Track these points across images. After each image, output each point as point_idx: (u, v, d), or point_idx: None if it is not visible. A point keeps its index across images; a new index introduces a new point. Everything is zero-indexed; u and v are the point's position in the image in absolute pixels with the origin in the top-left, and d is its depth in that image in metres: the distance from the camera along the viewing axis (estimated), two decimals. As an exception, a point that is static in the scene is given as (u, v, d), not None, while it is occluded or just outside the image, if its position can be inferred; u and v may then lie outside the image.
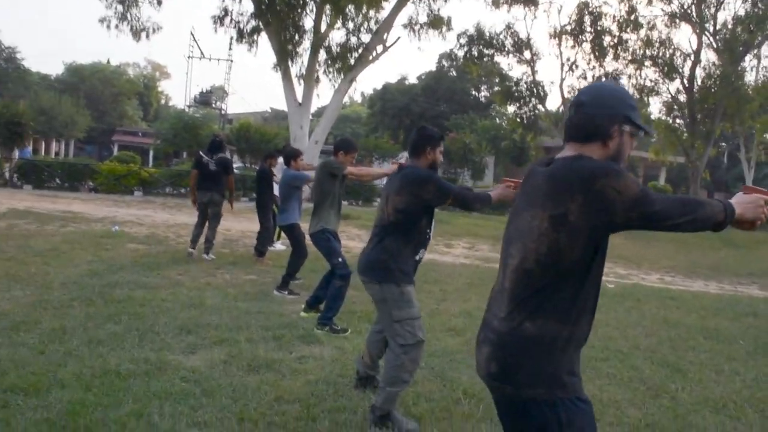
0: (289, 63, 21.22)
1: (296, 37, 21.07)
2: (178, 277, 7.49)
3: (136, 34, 20.54)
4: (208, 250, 8.95)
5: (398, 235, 3.59)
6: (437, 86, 45.40)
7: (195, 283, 7.16)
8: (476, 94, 47.21)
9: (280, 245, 10.37)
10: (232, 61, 39.52)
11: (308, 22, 21.17)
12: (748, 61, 24.91)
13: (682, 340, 6.49)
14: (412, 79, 51.43)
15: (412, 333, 3.60)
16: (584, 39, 23.52)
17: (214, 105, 40.36)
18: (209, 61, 39.66)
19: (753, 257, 16.98)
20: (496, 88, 44.81)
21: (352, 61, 21.33)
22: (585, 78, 24.35)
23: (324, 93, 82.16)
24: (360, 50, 21.33)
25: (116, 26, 20.33)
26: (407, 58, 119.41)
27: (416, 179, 3.56)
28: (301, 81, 21.49)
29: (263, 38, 21.46)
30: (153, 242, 10.20)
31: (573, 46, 23.93)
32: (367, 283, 3.70)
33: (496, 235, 16.51)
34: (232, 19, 21.25)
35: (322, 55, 21.42)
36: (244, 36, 21.22)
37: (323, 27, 21.24)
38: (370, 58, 21.53)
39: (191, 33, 46.79)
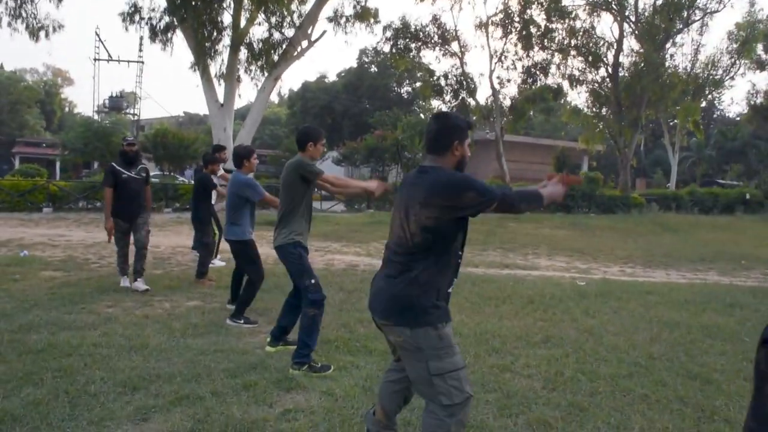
0: (208, 62, 19.79)
1: (214, 33, 19.68)
2: (109, 310, 6.26)
3: (33, 33, 18.58)
4: (138, 277, 7.46)
5: (430, 262, 2.72)
6: (359, 83, 44.51)
7: (130, 318, 5.96)
8: (399, 89, 46.62)
9: (219, 261, 9.21)
10: (143, 62, 37.04)
11: (227, 18, 19.84)
12: (668, 48, 25.32)
13: (691, 343, 5.96)
14: (332, 77, 50.38)
15: (458, 388, 2.70)
16: (512, 29, 23.23)
17: (125, 111, 37.85)
18: (118, 63, 37.20)
19: (694, 241, 17.05)
20: (419, 84, 44.67)
21: (276, 58, 20.13)
22: (515, 68, 24.13)
23: (247, 93, 79.77)
24: (284, 46, 20.16)
25: (9, 24, 18.29)
26: (326, 56, 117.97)
27: (450, 185, 2.68)
28: (222, 81, 20.09)
29: (178, 36, 19.97)
30: (72, 267, 8.77)
31: (501, 37, 23.62)
32: (390, 328, 2.78)
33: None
34: (142, 17, 19.65)
35: (244, 52, 20.11)
36: (157, 34, 19.65)
37: (243, 22, 19.94)
38: (295, 54, 20.39)
39: (96, 33, 43.72)
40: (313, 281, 4.73)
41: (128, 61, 38.13)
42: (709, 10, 24.82)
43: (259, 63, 20.07)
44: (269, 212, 19.84)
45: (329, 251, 11.98)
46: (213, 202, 8.50)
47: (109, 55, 37.41)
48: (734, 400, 4.38)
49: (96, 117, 35.31)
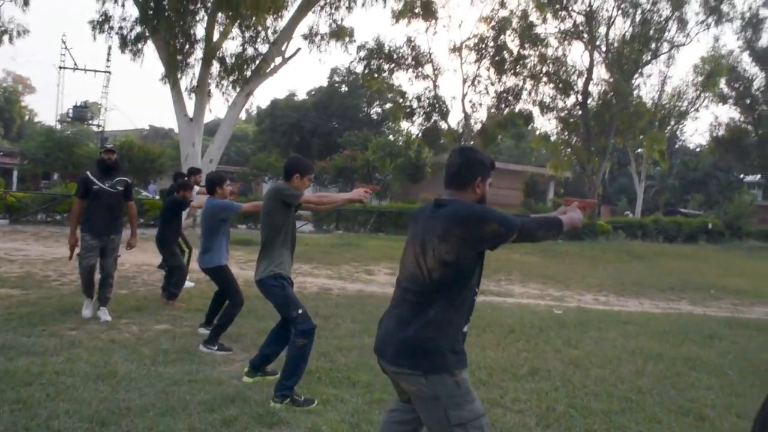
0: (179, 75, 19.38)
1: (186, 46, 19.29)
2: (72, 333, 5.87)
3: (-4, 37, 17.95)
4: (103, 305, 6.65)
5: (447, 301, 2.52)
6: (329, 102, 44.35)
7: (95, 342, 5.58)
8: (369, 110, 46.62)
9: (189, 282, 8.83)
10: (110, 72, 36.21)
11: (200, 31, 19.47)
12: (636, 78, 25.79)
13: (677, 376, 5.90)
14: (302, 95, 50.16)
15: None
16: (486, 54, 23.38)
17: (90, 121, 36.89)
18: (84, 72, 36.27)
19: (661, 269, 17.19)
20: (389, 105, 44.76)
21: (249, 74, 19.82)
22: (487, 93, 24.26)
23: (217, 108, 78.94)
24: (257, 62, 19.87)
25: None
26: (296, 74, 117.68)
27: (471, 217, 2.50)
28: (192, 94, 19.66)
29: (149, 47, 19.53)
30: (30, 285, 8.28)
31: (475, 61, 23.75)
32: (403, 376, 2.55)
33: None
34: (112, 26, 19.18)
35: (216, 66, 19.74)
36: (127, 44, 19.18)
37: (216, 36, 19.63)
38: (268, 70, 20.12)
39: (62, 41, 42.78)
40: (300, 311, 4.46)
41: (95, 71, 37.29)
42: (676, 43, 25.41)
43: (231, 78, 19.71)
44: (238, 231, 19.43)
45: (300, 273, 11.66)
46: (183, 220, 8.16)
47: (75, 64, 36.57)
48: (732, 440, 4.26)
49: (58, 126, 34.38)
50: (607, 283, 13.57)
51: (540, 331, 7.60)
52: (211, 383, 4.60)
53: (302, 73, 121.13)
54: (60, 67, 36.18)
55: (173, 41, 18.72)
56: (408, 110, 26.12)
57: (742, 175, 45.86)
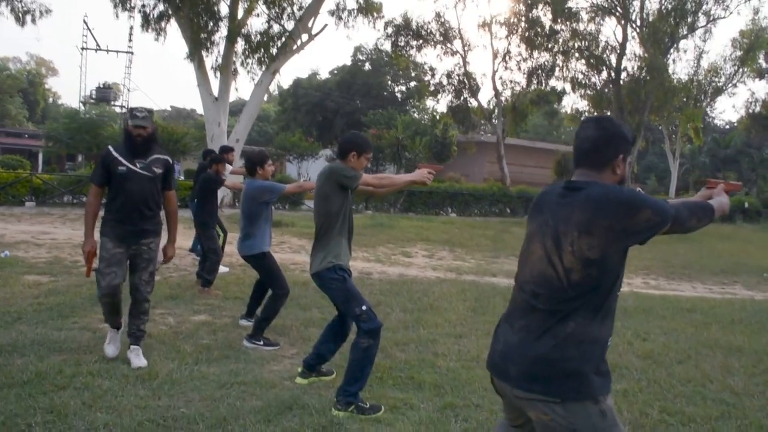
0: (204, 53, 18.92)
1: (210, 24, 18.80)
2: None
3: (19, 18, 17.59)
4: (135, 343, 4.64)
5: (590, 309, 2.01)
6: (352, 81, 43.61)
7: (131, 336, 5.14)
8: (393, 88, 45.84)
9: (223, 267, 8.38)
10: (132, 53, 35.82)
11: (224, 8, 18.94)
12: (671, 53, 24.78)
13: (766, 374, 5.27)
14: (324, 74, 49.45)
15: None
16: (518, 29, 22.54)
17: (113, 102, 36.65)
18: (106, 53, 35.92)
19: (707, 251, 16.49)
20: (413, 83, 43.91)
21: (275, 51, 19.26)
22: (519, 69, 23.45)
23: (243, 87, 78.27)
24: (283, 39, 19.30)
25: (-5, 8, 17.28)
26: (318, 53, 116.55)
27: (623, 203, 1.98)
28: (217, 73, 19.18)
29: (172, 26, 19.11)
30: (59, 271, 7.88)
31: (506, 36, 22.91)
32: (532, 403, 2.03)
33: (447, 239, 15.11)
34: (133, 5, 18.74)
35: (241, 44, 19.23)
36: (150, 22, 18.72)
37: (241, 13, 19.09)
38: (294, 47, 19.55)
39: (84, 21, 42.36)
40: (364, 308, 3.94)
41: (117, 51, 37.00)
42: (714, 17, 24.31)
43: (257, 56, 19.20)
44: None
45: (335, 256, 11.18)
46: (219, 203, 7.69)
47: (97, 45, 36.24)
48: None
49: (81, 108, 34.16)
50: (655, 265, 12.94)
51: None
52: (262, 386, 4.12)
53: (325, 51, 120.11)
54: (82, 49, 35.89)
55: (197, 19, 18.26)
56: (436, 87, 25.34)
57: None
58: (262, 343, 5.11)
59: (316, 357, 4.32)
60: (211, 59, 18.99)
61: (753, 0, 24.40)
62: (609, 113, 25.11)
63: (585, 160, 2.16)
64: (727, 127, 44.46)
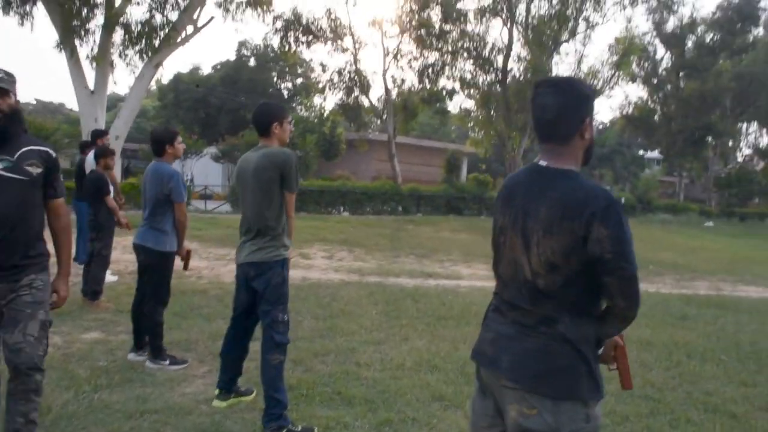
0: (77, 43, 17.45)
1: (85, 10, 17.36)
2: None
3: None
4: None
5: (576, 312, 1.89)
6: (237, 77, 42.15)
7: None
8: (279, 85, 44.88)
9: (110, 276, 7.61)
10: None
11: (100, -6, 17.56)
12: (555, 56, 25.91)
13: (678, 366, 5.63)
14: (207, 69, 47.62)
15: None
16: (409, 27, 22.65)
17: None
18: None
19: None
20: (300, 80, 43.21)
21: (157, 43, 18.11)
22: (410, 67, 23.59)
23: (121, 79, 73.52)
24: (166, 30, 18.19)
25: None
26: (200, 48, 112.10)
27: (588, 207, 1.85)
28: (93, 64, 17.76)
29: (40, 10, 17.44)
30: None
31: (398, 35, 22.98)
32: (517, 394, 1.90)
33: (344, 239, 14.85)
34: (-10, -16, 16.96)
35: (120, 34, 17.91)
36: (11, 5, 17.03)
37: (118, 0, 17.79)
38: (179, 39, 18.47)
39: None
40: (287, 317, 3.60)
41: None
42: (593, 23, 25.66)
43: (138, 47, 17.95)
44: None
45: (231, 260, 10.58)
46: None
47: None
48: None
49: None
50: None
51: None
52: (176, 413, 3.65)
53: (207, 45, 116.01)
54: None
55: (68, 4, 16.82)
56: (327, 85, 25.00)
57: (641, 152, 47.92)
58: (167, 362, 4.58)
59: (229, 379, 3.89)
60: (86, 49, 17.54)
61: (627, 10, 25.78)
62: (495, 114, 25.92)
63: (550, 132, 1.98)
64: (600, 127, 47.35)
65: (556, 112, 1.94)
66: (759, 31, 34.96)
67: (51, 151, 2.96)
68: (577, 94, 1.96)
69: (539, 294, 1.89)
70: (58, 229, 3.06)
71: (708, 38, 34.45)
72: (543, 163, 1.98)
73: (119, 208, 6.65)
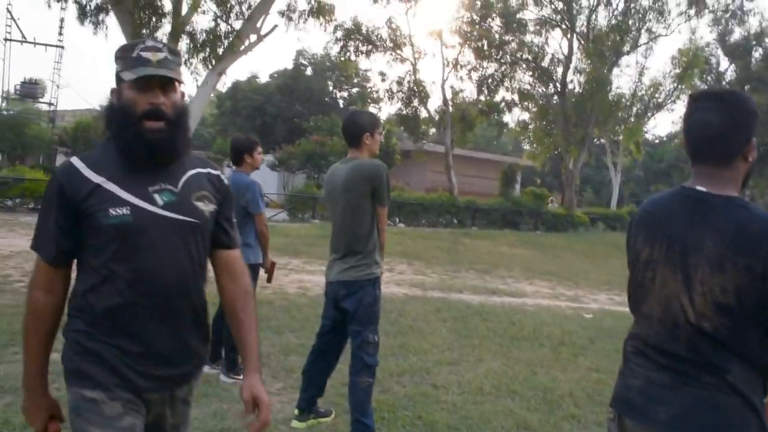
0: (145, 50, 17.86)
1: (153, 19, 17.78)
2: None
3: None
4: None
5: (755, 352, 1.64)
6: (294, 85, 42.68)
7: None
8: (336, 94, 45.23)
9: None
10: (63, 47, 33.82)
11: (168, 3, 17.96)
12: (615, 68, 25.31)
13: None
14: (264, 78, 48.38)
15: None
16: (469, 37, 22.44)
17: (39, 99, 34.47)
18: (33, 46, 33.75)
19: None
20: (356, 90, 43.41)
21: (221, 51, 18.40)
22: (469, 78, 23.37)
23: (186, 87, 75.28)
24: (230, 38, 18.46)
25: None
26: (258, 56, 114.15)
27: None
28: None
29: (112, 19, 17.93)
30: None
31: (459, 44, 22.78)
32: None
33: (402, 251, 14.67)
34: (68, -5, 17.51)
35: (185, 42, 18.26)
36: (87, 15, 17.54)
37: (185, 9, 18.14)
38: (242, 47, 18.69)
39: (8, 10, 39.81)
40: (377, 338, 3.44)
41: (46, 45, 34.81)
42: (656, 34, 24.98)
43: (202, 55, 18.28)
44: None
45: (293, 270, 10.55)
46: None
47: (23, 36, 34.08)
48: None
49: (3, 104, 32.03)
50: (614, 281, 12.82)
51: (590, 342, 6.76)
52: None
53: (264, 54, 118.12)
54: (5, 40, 33.66)
55: (138, 13, 17.24)
56: (387, 94, 24.95)
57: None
58: (242, 377, 4.46)
59: (309, 398, 3.75)
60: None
61: (692, 21, 25.00)
62: (553, 126, 25.41)
63: (709, 152, 1.74)
64: (657, 141, 46.13)
65: (721, 130, 1.71)
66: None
67: (222, 175, 1.92)
68: (745, 111, 1.73)
69: (704, 338, 1.65)
70: (237, 295, 1.89)
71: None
72: (701, 188, 1.75)
73: None
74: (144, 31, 17.47)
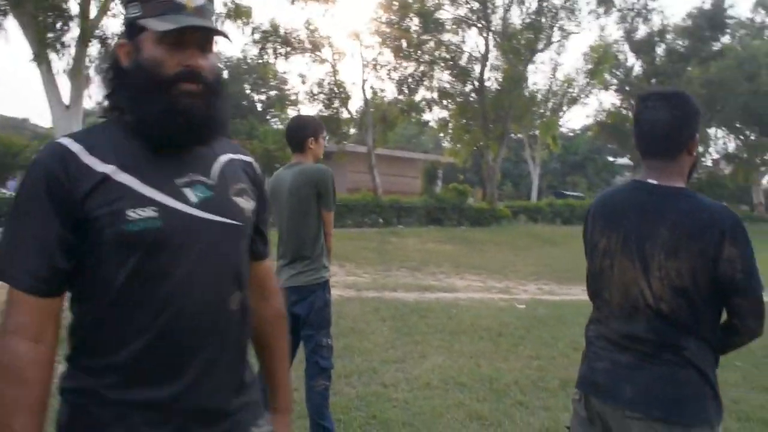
0: (51, 56, 17.04)
1: (60, 23, 17.00)
2: None
3: None
4: None
5: (701, 337, 1.82)
6: (210, 90, 41.90)
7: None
8: (253, 97, 44.54)
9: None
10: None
11: (75, 6, 17.22)
12: (530, 65, 26.13)
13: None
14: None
15: None
16: (388, 38, 22.62)
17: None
18: None
19: (578, 254, 17.27)
20: (274, 92, 42.86)
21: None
22: (390, 78, 23.55)
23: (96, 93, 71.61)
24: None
25: None
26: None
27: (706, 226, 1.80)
28: (69, 78, 17.37)
29: (12, 23, 17.02)
30: None
31: (378, 44, 22.92)
32: (647, 423, 1.79)
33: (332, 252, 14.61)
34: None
35: (96, 47, 17.56)
36: (-17, 18, 16.58)
37: (94, 12, 17.43)
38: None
39: None
40: (330, 341, 3.44)
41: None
42: (568, 32, 26.01)
43: (108, 57, 17.66)
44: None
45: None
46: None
47: None
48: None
49: None
50: (541, 271, 13.29)
51: (527, 331, 6.96)
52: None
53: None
54: None
55: (43, 16, 16.44)
56: (308, 96, 24.78)
57: (611, 158, 48.64)
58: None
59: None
60: (62, 62, 17.16)
61: (601, 19, 26.27)
62: (473, 122, 26.00)
63: (658, 148, 1.90)
64: (572, 134, 47.97)
65: (668, 128, 1.87)
66: (726, 38, 35.90)
67: (254, 163, 1.52)
68: (689, 110, 1.89)
69: (662, 319, 1.80)
70: (268, 318, 1.55)
71: (678, 45, 35.23)
72: (652, 181, 1.90)
73: None
74: (49, 35, 16.73)
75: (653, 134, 1.90)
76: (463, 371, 5.19)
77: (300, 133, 3.49)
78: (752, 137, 34.36)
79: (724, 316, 1.86)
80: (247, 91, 44.23)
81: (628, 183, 2.02)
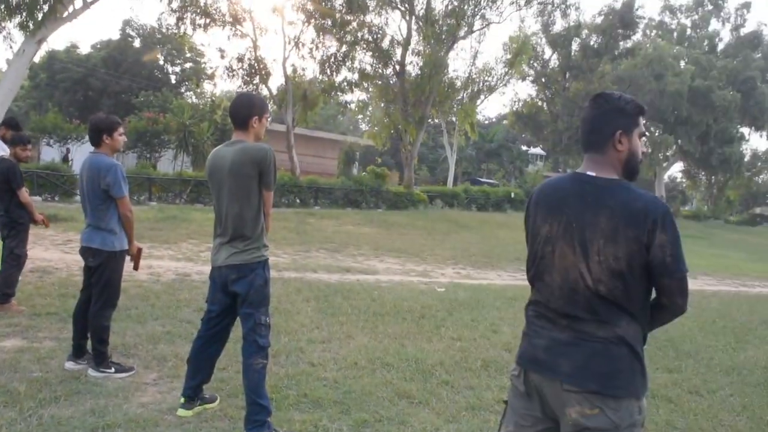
0: (-54, 12, 15.77)
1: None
2: None
3: None
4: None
5: (631, 314, 2.01)
6: (121, 58, 39.87)
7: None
8: (167, 69, 42.86)
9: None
10: None
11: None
12: (451, 51, 26.48)
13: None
14: (85, 48, 44.75)
15: None
16: (311, 16, 22.27)
17: None
18: None
19: (493, 239, 17.87)
20: (189, 65, 41.44)
21: (40, 16, 16.71)
22: (312, 57, 23.23)
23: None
24: (51, 2, 16.81)
25: None
26: (76, 25, 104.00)
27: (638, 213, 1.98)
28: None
29: None
30: None
31: (302, 22, 22.51)
32: (579, 396, 1.95)
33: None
34: None
35: (-2, 5, 16.34)
36: None
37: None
38: (65, 14, 17.16)
39: None
40: (269, 320, 3.45)
41: None
42: (489, 21, 26.51)
43: (18, 19, 16.47)
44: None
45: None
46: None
47: None
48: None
49: None
50: (458, 255, 13.63)
51: (449, 314, 7.17)
52: (142, 426, 3.36)
53: (85, 23, 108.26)
54: None
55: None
56: (227, 71, 24.07)
57: (524, 147, 50.29)
58: (113, 370, 4.22)
59: (197, 384, 3.65)
60: (-43, 20, 15.89)
61: (522, 10, 26.93)
62: (393, 107, 26.14)
63: (587, 143, 2.12)
64: (487, 122, 49.13)
65: (591, 124, 2.11)
66: (638, 36, 37.78)
67: None
68: (609, 108, 2.09)
69: (599, 300, 1.97)
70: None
71: (592, 41, 36.68)
72: (590, 173, 2.08)
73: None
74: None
75: (583, 130, 2.15)
76: (388, 352, 5.29)
77: (245, 110, 3.45)
78: (657, 134, 36.34)
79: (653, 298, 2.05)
80: (161, 62, 42.52)
81: (568, 174, 2.19)
